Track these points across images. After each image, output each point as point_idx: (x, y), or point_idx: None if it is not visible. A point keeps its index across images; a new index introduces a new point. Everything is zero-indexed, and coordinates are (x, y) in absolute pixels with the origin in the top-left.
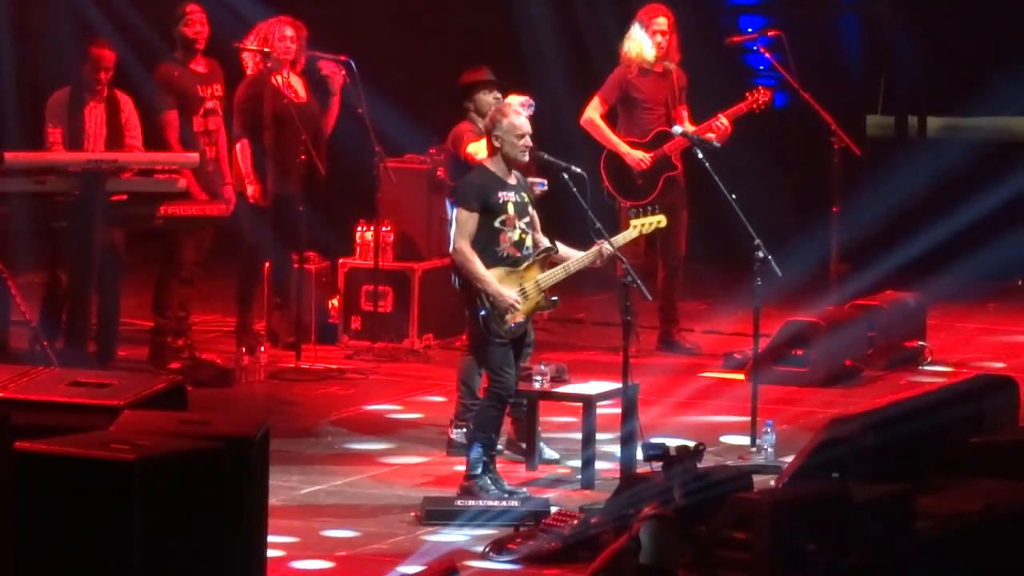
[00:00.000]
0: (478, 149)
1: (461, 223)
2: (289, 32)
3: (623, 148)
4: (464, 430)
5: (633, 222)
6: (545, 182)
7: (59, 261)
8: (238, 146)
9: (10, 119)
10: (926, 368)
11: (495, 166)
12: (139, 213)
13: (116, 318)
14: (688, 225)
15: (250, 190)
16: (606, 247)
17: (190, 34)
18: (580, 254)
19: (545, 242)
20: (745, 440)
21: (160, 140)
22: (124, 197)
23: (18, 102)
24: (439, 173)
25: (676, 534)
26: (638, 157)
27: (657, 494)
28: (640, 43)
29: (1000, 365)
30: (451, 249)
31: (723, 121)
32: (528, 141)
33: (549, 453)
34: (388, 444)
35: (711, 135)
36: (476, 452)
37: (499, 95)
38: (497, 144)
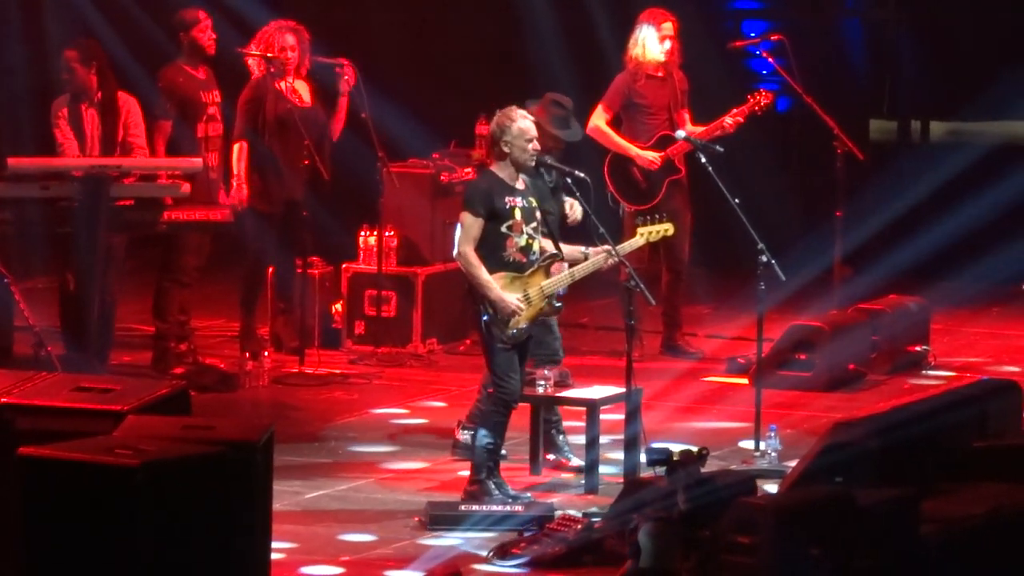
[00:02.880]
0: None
1: (465, 228)
2: (290, 40)
3: (633, 151)
4: (471, 433)
5: (640, 230)
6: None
7: (67, 266)
8: (236, 147)
9: (22, 124)
10: (930, 372)
11: (503, 171)
12: (143, 218)
13: (112, 322)
14: (691, 229)
15: (233, 191)
16: (612, 254)
17: (203, 41)
18: (583, 250)
19: (552, 247)
20: (749, 444)
21: (149, 146)
22: (130, 202)
23: (29, 107)
24: (442, 178)
25: (675, 536)
26: (649, 158)
27: (661, 499)
28: (647, 48)
29: (1004, 369)
30: (455, 253)
31: (729, 121)
32: (536, 145)
33: (575, 460)
34: (392, 449)
35: (727, 123)
36: (480, 457)
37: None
38: (506, 149)
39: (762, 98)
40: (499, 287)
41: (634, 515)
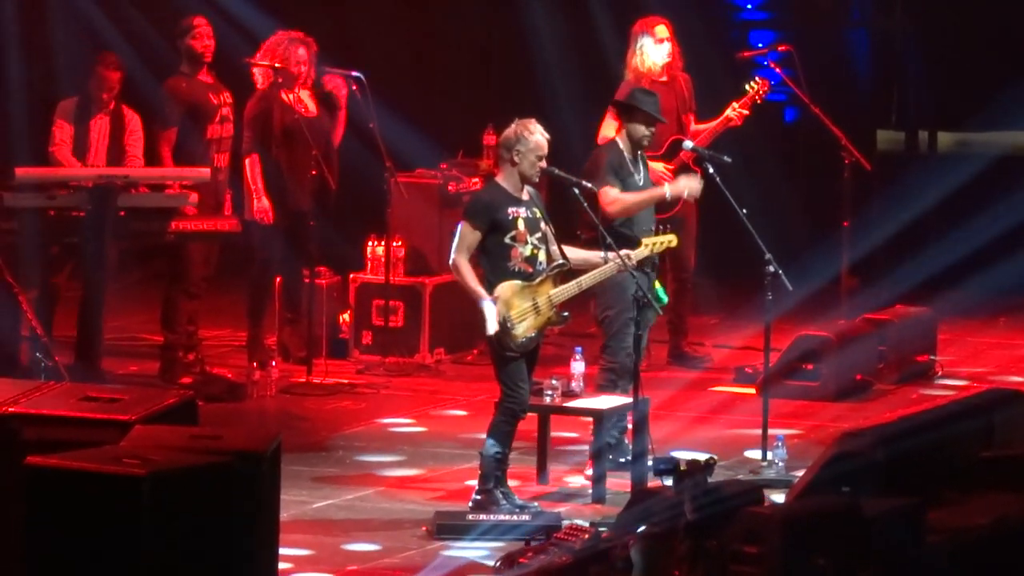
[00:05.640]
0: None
1: (461, 237)
2: (302, 52)
3: None
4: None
5: (644, 240)
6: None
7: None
8: (248, 161)
9: (19, 135)
10: (937, 382)
11: (507, 181)
12: (150, 228)
13: (100, 330)
14: (697, 238)
15: (256, 205)
16: (618, 263)
17: (198, 48)
18: (592, 255)
19: (559, 257)
20: (756, 454)
21: (155, 155)
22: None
23: (26, 117)
24: (450, 188)
25: (667, 552)
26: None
27: (668, 508)
28: (648, 54)
29: (1010, 379)
30: (449, 261)
31: (733, 114)
32: (544, 164)
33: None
34: (399, 458)
35: (730, 115)
36: (488, 466)
37: (652, 130)
38: (517, 159)
39: (761, 86)
40: (509, 293)
41: (641, 525)
